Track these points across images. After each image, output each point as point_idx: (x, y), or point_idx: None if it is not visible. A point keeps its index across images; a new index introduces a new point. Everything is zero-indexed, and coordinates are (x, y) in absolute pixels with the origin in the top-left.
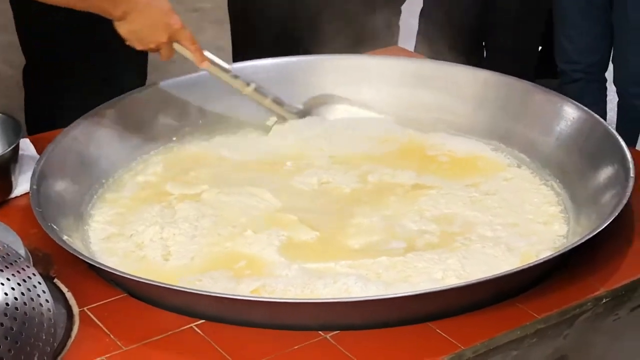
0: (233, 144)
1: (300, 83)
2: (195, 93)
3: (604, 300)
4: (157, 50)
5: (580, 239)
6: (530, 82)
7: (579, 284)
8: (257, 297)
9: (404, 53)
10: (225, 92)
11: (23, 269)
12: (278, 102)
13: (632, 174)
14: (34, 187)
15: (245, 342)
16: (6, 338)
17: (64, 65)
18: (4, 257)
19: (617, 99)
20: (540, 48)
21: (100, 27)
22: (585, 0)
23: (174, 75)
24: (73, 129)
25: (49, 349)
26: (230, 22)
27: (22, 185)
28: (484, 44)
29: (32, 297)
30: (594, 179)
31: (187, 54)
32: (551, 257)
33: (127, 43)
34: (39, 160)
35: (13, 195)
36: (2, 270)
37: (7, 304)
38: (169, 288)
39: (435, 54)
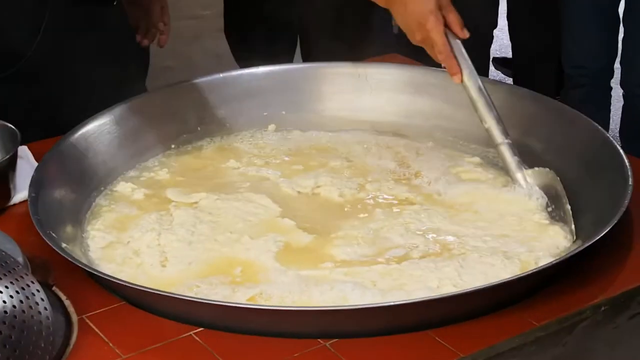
0: (232, 151)
1: (297, 91)
2: (193, 100)
3: (603, 308)
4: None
5: (579, 247)
6: (527, 89)
7: (578, 291)
8: (257, 305)
9: (401, 60)
10: (224, 99)
11: (21, 277)
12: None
13: (630, 182)
14: (33, 194)
15: (244, 349)
16: (4, 346)
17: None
18: (2, 264)
19: (620, 105)
20: None
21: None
22: (592, 5)
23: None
24: (71, 137)
25: (47, 356)
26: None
27: (20, 192)
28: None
29: (31, 304)
30: (592, 186)
31: None
32: (550, 264)
33: None
34: (37, 168)
35: (11, 202)
36: (0, 278)
37: (5, 312)
38: (167, 296)
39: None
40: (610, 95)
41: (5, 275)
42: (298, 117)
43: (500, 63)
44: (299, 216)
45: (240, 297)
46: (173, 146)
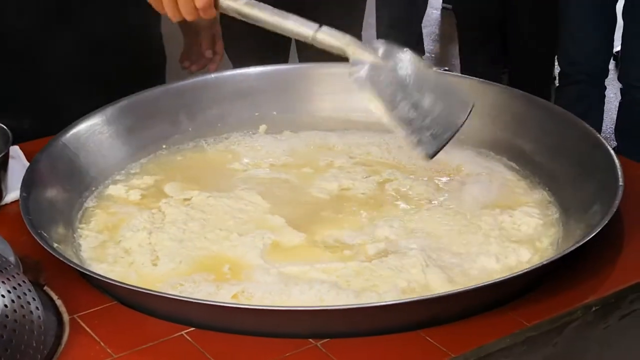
0: (223, 151)
1: (289, 91)
2: (184, 100)
3: (593, 309)
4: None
5: (570, 247)
6: (519, 90)
7: (568, 292)
8: (247, 305)
9: None
10: (215, 99)
11: (13, 277)
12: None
13: (621, 182)
14: (24, 194)
15: (235, 349)
16: None
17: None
18: None
19: (611, 106)
20: None
21: None
22: (592, 2)
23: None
24: (62, 137)
25: (39, 356)
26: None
27: (12, 192)
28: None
29: (22, 304)
30: (583, 187)
31: None
32: (541, 264)
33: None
34: (28, 168)
35: (3, 202)
36: None
37: None
38: (158, 295)
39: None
40: (604, 95)
41: None
42: (289, 118)
43: None
44: (290, 213)
45: (223, 295)
46: (164, 146)
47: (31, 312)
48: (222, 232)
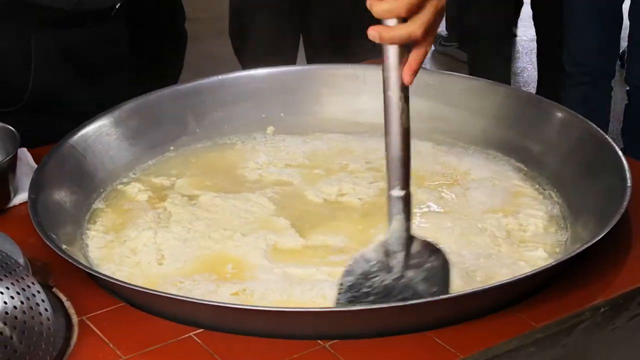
0: (230, 153)
1: (296, 93)
2: (192, 102)
3: (602, 310)
4: None
5: (578, 248)
6: (526, 91)
7: (577, 293)
8: (256, 307)
9: None
10: (222, 101)
11: (22, 278)
12: None
13: (629, 183)
14: (32, 196)
15: (244, 350)
16: (5, 347)
17: None
18: (2, 266)
19: (617, 106)
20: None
21: None
22: (596, 2)
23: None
24: (70, 139)
25: (48, 358)
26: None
27: (20, 194)
28: None
29: (31, 306)
30: (591, 188)
31: None
32: (549, 266)
33: None
34: (37, 170)
35: (11, 204)
36: (1, 279)
37: (6, 313)
38: (167, 297)
39: None
40: (611, 96)
41: (5, 276)
42: (296, 120)
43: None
44: (295, 215)
45: (222, 294)
46: (172, 148)
47: (40, 313)
48: (226, 232)
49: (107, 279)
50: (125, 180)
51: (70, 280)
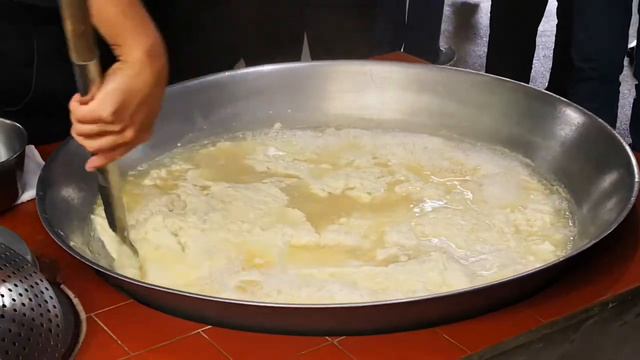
0: (238, 149)
1: (303, 89)
2: (199, 99)
3: (610, 305)
4: None
5: (587, 244)
6: (533, 87)
7: (585, 288)
8: (264, 303)
9: (406, 58)
10: (230, 98)
11: (30, 275)
12: None
13: (637, 178)
14: (40, 193)
15: (252, 347)
16: (14, 344)
17: None
18: (11, 263)
19: (625, 102)
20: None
21: None
22: None
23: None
24: None
25: (56, 354)
26: None
27: (28, 191)
28: None
29: (40, 303)
30: (599, 183)
31: None
32: (557, 262)
33: None
34: (44, 167)
35: (19, 201)
36: (9, 277)
37: (14, 310)
38: (175, 294)
39: None
40: (619, 92)
41: (14, 273)
42: (304, 116)
43: None
44: (306, 210)
45: (228, 285)
46: (179, 144)
47: (48, 310)
48: (244, 224)
49: (114, 275)
50: (132, 177)
51: (79, 277)
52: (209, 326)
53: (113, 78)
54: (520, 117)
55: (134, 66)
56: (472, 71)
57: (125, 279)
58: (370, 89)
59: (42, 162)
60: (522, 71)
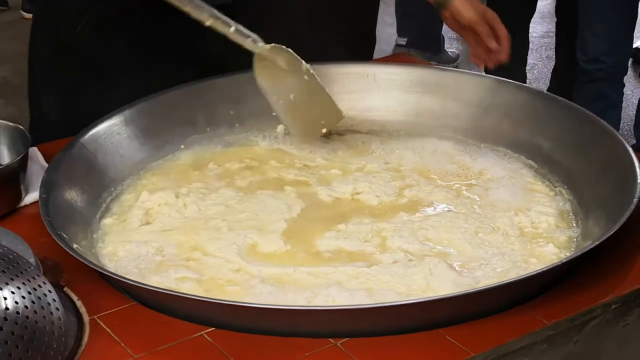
0: (241, 151)
1: None
2: (202, 101)
3: (613, 307)
4: None
5: (590, 245)
6: (536, 88)
7: (588, 290)
8: (267, 305)
9: (409, 60)
10: (232, 100)
11: (33, 278)
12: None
13: (639, 180)
14: (43, 195)
15: (255, 349)
16: (17, 347)
17: None
18: (14, 266)
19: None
20: None
21: None
22: None
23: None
24: (81, 138)
25: (59, 357)
26: None
27: (31, 194)
28: None
29: (43, 305)
30: (602, 184)
31: None
32: (560, 263)
33: None
34: (47, 169)
35: (22, 204)
36: (12, 279)
37: (17, 313)
38: (178, 296)
39: None
40: (623, 93)
41: (17, 276)
42: None
43: None
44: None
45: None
46: (182, 147)
47: (51, 313)
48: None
49: (117, 278)
50: (136, 179)
51: (82, 280)
52: (212, 328)
53: None
54: (524, 118)
55: None
56: (475, 72)
57: (129, 282)
58: (374, 91)
59: (45, 165)
60: (518, 71)
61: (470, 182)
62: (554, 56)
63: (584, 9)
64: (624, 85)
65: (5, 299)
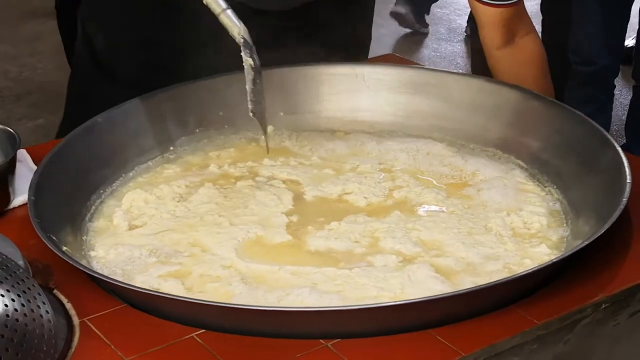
0: (231, 153)
1: (295, 92)
2: (190, 102)
3: (603, 306)
4: None
5: (579, 245)
6: (525, 89)
7: (578, 289)
8: (257, 307)
9: (398, 61)
10: (222, 101)
11: (22, 280)
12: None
13: (628, 179)
14: (32, 198)
15: (246, 351)
16: (7, 350)
17: None
18: (2, 268)
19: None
20: None
21: None
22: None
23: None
24: (69, 140)
25: None
26: None
27: (20, 196)
28: None
29: (32, 308)
30: (591, 185)
31: None
32: (550, 263)
33: None
34: (36, 171)
35: (11, 206)
36: (1, 282)
37: (7, 316)
38: (168, 298)
39: None
40: (613, 94)
41: (6, 279)
42: (296, 118)
43: None
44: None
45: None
46: (172, 148)
47: (41, 316)
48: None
49: (107, 280)
50: (125, 181)
51: (71, 282)
52: (203, 330)
53: None
54: (514, 119)
55: None
56: (465, 73)
57: (119, 284)
58: (363, 92)
59: (34, 167)
60: None
61: (463, 183)
62: None
63: (576, 11)
64: (614, 86)
65: None
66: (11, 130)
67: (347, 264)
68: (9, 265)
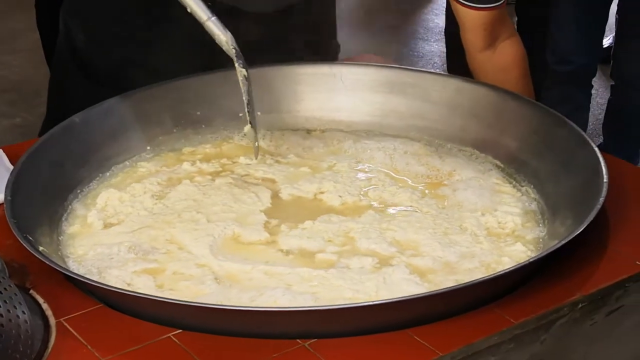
0: (208, 152)
1: (272, 91)
2: (168, 101)
3: (580, 305)
4: None
5: (556, 244)
6: (503, 89)
7: (555, 289)
8: (234, 307)
9: (376, 60)
10: (200, 100)
11: None
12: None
13: (605, 179)
14: (8, 198)
15: (223, 351)
16: None
17: None
18: None
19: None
20: None
21: None
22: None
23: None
24: (46, 140)
25: None
26: None
27: None
28: None
29: (9, 309)
30: (568, 184)
31: None
32: (527, 263)
33: None
34: (13, 171)
35: None
36: None
37: None
38: (144, 298)
39: None
40: (591, 94)
41: None
42: (273, 118)
43: None
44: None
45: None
46: (149, 148)
47: (17, 316)
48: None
49: (83, 280)
50: (101, 181)
51: (48, 283)
52: (180, 330)
53: None
54: (491, 118)
55: None
56: (442, 73)
57: (95, 284)
58: (340, 91)
59: (11, 166)
60: None
61: (439, 182)
62: None
63: (554, 12)
64: (592, 86)
65: None
66: None
67: (321, 264)
68: None
